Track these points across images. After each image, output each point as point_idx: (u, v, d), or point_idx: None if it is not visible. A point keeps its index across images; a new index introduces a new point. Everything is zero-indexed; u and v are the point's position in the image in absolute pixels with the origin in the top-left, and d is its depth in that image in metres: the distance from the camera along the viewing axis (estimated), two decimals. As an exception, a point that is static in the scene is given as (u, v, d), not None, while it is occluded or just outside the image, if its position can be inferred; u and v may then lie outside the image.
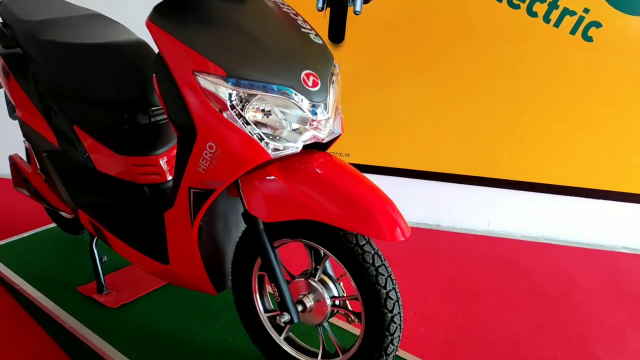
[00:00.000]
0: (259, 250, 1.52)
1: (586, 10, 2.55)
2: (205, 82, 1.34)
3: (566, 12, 2.58)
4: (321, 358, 1.64)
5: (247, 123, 1.35)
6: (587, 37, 2.60)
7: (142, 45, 1.88)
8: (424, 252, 2.95)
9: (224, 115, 1.35)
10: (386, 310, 1.44)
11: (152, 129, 1.88)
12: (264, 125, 1.38)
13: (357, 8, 2.66)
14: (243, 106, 1.35)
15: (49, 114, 1.93)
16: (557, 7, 2.58)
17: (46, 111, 1.93)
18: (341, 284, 1.61)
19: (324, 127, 1.46)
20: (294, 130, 1.41)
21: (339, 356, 1.60)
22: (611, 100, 2.72)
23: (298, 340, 1.72)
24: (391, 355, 1.50)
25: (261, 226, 1.50)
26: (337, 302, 1.58)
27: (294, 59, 1.40)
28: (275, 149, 1.38)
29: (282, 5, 1.56)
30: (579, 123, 2.84)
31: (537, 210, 3.06)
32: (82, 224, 1.98)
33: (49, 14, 2.02)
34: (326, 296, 1.56)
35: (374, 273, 1.43)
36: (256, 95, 1.34)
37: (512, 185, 2.99)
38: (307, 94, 1.38)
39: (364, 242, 1.45)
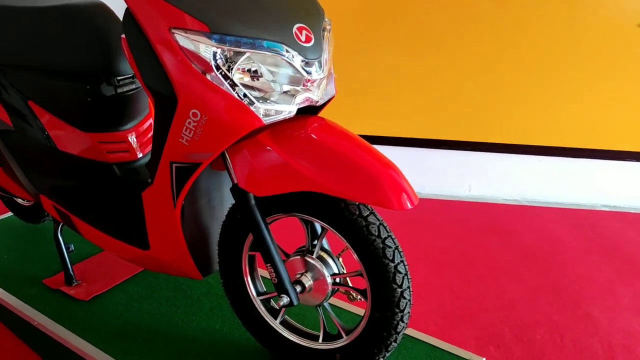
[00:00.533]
0: (251, 228, 1.38)
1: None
2: (185, 40, 1.17)
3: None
4: (323, 341, 1.52)
5: (235, 85, 1.20)
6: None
7: (100, 6, 1.68)
8: (409, 221, 2.86)
9: (208, 77, 1.19)
10: (395, 286, 1.32)
11: (119, 101, 1.70)
12: (253, 88, 1.23)
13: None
14: (229, 66, 1.19)
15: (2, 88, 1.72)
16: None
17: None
18: (341, 259, 1.49)
19: (319, 88, 1.31)
20: (285, 92, 1.26)
21: (342, 337, 1.49)
22: (590, 59, 2.68)
23: (295, 323, 1.59)
24: (401, 334, 1.39)
25: (253, 201, 1.35)
26: (337, 280, 1.46)
27: (284, 12, 1.24)
28: (267, 114, 1.23)
29: None
30: (556, 84, 2.79)
31: (517, 173, 3.02)
32: (46, 211, 1.78)
33: None
34: (326, 274, 1.43)
35: (381, 246, 1.31)
36: (244, 53, 1.18)
37: (490, 148, 2.94)
38: (301, 50, 1.23)
39: (368, 212, 1.33)
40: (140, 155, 1.78)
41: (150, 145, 1.77)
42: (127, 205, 1.58)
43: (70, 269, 1.93)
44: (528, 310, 2.14)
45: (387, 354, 1.42)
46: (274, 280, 1.39)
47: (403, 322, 1.37)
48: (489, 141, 2.91)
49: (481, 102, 2.86)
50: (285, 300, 1.38)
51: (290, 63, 1.22)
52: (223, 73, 1.18)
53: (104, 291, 1.93)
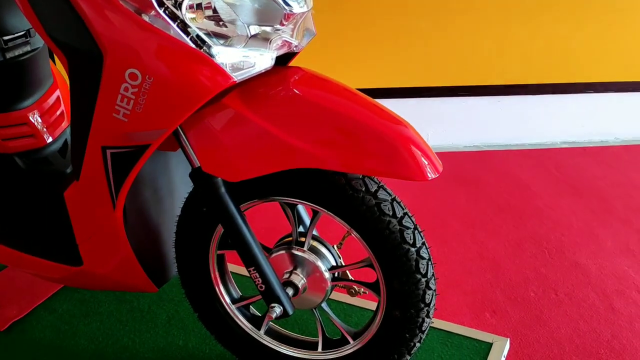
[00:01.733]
0: (222, 221, 1.03)
1: None
2: None
3: None
4: (323, 349, 1.21)
5: (187, 27, 0.83)
6: None
7: None
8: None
9: (146, 18, 0.81)
10: (419, 275, 1.04)
11: (10, 70, 1.27)
12: (212, 32, 0.86)
13: None
14: (176, 1, 0.82)
15: None
16: None
17: None
18: (336, 248, 1.18)
19: (299, 28, 0.97)
20: (255, 35, 0.91)
21: (348, 343, 1.19)
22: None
23: (284, 331, 1.28)
24: (427, 332, 1.11)
25: (223, 189, 1.01)
26: (336, 274, 1.15)
27: None
28: (237, 68, 0.89)
29: None
30: (514, 20, 2.63)
31: (475, 117, 2.84)
32: None
33: None
34: (323, 268, 1.12)
35: (397, 228, 1.02)
36: None
37: (446, 93, 2.73)
38: None
39: (376, 187, 1.03)
40: (50, 139, 1.37)
41: (62, 125, 1.36)
42: (43, 210, 1.17)
43: None
44: (514, 267, 1.98)
45: (409, 358, 1.14)
46: (260, 287, 1.06)
47: (429, 317, 1.10)
48: (444, 85, 2.70)
49: (432, 45, 2.64)
50: (277, 311, 1.07)
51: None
52: (170, 11, 0.81)
53: (25, 315, 1.53)
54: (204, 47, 0.85)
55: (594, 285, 1.87)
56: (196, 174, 0.99)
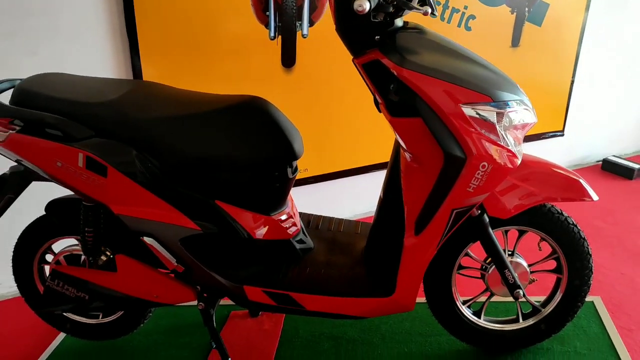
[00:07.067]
0: (487, 245, 1.76)
1: (465, 7, 3.24)
2: (472, 110, 1.52)
3: (454, 10, 3.23)
4: (522, 320, 1.96)
5: (505, 137, 1.58)
6: (467, 28, 3.30)
7: (254, 99, 1.78)
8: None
9: (491, 136, 1.55)
10: (589, 256, 1.85)
11: (292, 181, 1.85)
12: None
13: (305, 32, 2.82)
14: (504, 127, 1.57)
15: (179, 196, 1.71)
16: (448, 7, 3.20)
17: (173, 194, 1.71)
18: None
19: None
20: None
21: (539, 311, 1.94)
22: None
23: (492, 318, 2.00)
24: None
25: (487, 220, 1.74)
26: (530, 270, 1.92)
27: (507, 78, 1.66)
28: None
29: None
30: None
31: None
32: (249, 300, 1.81)
33: (103, 92, 1.75)
34: (526, 267, 1.88)
35: (576, 230, 1.83)
36: (513, 110, 1.57)
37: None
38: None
39: (559, 211, 1.83)
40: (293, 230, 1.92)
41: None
42: (378, 258, 1.78)
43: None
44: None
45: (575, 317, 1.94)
46: (511, 280, 1.79)
47: (589, 287, 1.90)
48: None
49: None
50: (521, 292, 1.80)
51: (528, 108, 1.64)
52: (500, 130, 1.56)
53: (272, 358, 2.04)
54: (510, 145, 1.58)
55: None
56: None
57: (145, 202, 1.69)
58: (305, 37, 2.85)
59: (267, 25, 2.73)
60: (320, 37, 2.87)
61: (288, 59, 2.87)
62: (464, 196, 1.60)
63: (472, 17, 3.30)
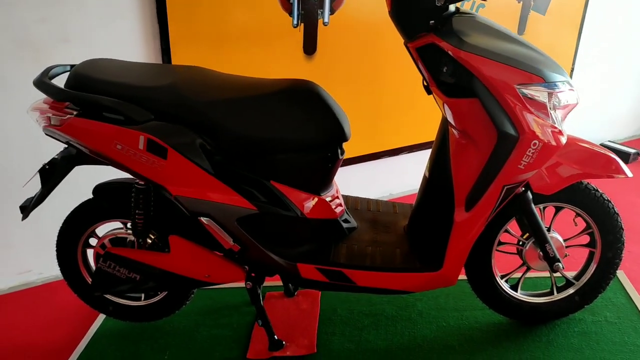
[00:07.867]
0: (530, 221, 1.85)
1: (474, -4, 3.35)
2: (526, 91, 1.60)
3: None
4: (557, 293, 2.06)
5: (553, 116, 1.66)
6: (476, 16, 3.41)
7: (306, 82, 1.84)
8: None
9: (541, 115, 1.63)
10: (622, 230, 1.95)
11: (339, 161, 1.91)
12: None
13: (326, 20, 2.87)
14: (550, 103, 1.65)
15: (235, 177, 1.76)
16: (463, -2, 3.31)
17: (230, 175, 1.76)
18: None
19: None
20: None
21: (572, 284, 2.04)
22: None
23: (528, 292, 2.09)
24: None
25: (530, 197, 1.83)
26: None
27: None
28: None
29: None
30: None
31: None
32: (303, 278, 1.86)
33: (160, 76, 1.79)
34: (562, 242, 1.98)
35: (610, 205, 1.93)
36: (561, 90, 1.66)
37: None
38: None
39: (594, 187, 1.93)
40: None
41: None
42: (424, 235, 1.85)
43: (273, 333, 2.01)
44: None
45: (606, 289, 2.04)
46: (551, 254, 1.88)
47: (620, 260, 2.00)
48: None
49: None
50: (561, 265, 1.89)
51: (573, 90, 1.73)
52: (550, 109, 1.64)
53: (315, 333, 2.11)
54: (557, 122, 1.66)
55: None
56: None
57: (203, 183, 1.74)
58: (326, 25, 2.90)
59: (290, 13, 2.77)
60: (340, 24, 2.93)
61: (310, 46, 2.92)
62: (515, 173, 1.67)
63: (482, 5, 3.39)
